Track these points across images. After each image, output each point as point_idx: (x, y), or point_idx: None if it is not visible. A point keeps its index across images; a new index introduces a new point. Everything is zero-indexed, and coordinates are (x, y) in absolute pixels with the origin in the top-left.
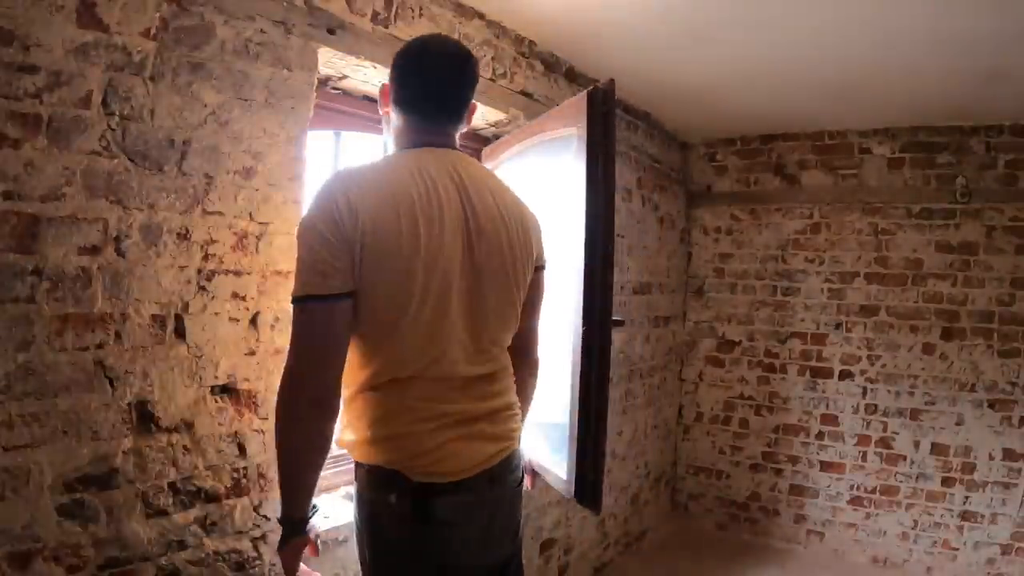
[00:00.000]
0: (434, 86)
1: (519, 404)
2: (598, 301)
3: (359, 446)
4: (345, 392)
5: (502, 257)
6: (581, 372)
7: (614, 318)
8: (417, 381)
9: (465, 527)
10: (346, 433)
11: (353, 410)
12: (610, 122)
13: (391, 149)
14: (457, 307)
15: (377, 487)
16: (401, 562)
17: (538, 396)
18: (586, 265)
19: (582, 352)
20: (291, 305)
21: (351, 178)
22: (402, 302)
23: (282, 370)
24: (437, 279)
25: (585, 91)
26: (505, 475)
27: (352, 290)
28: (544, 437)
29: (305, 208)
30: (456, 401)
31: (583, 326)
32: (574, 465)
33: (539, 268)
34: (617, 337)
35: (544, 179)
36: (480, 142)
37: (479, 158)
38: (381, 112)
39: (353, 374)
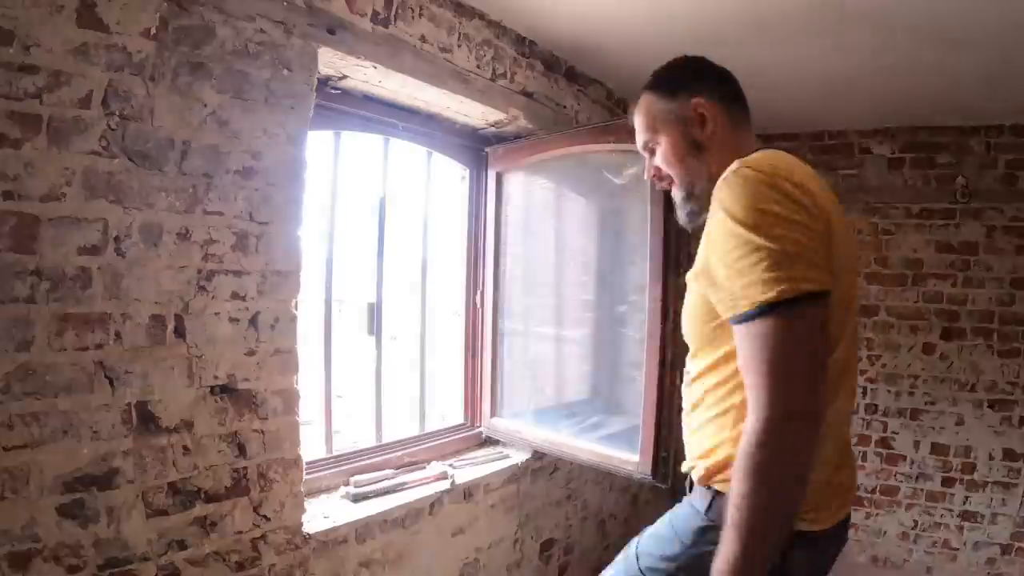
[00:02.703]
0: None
1: None
2: (670, 308)
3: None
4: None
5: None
6: (659, 362)
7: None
8: (832, 412)
9: None
10: (717, 455)
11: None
12: None
13: (714, 167)
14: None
15: None
16: None
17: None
18: (663, 280)
19: (660, 349)
20: (758, 314)
21: (799, 167)
22: (840, 317)
23: (765, 404)
24: (849, 292)
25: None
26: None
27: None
28: (586, 430)
29: (304, 209)
30: (845, 437)
31: (661, 326)
32: (651, 447)
33: None
34: None
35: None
36: (480, 142)
37: (481, 158)
38: (701, 136)
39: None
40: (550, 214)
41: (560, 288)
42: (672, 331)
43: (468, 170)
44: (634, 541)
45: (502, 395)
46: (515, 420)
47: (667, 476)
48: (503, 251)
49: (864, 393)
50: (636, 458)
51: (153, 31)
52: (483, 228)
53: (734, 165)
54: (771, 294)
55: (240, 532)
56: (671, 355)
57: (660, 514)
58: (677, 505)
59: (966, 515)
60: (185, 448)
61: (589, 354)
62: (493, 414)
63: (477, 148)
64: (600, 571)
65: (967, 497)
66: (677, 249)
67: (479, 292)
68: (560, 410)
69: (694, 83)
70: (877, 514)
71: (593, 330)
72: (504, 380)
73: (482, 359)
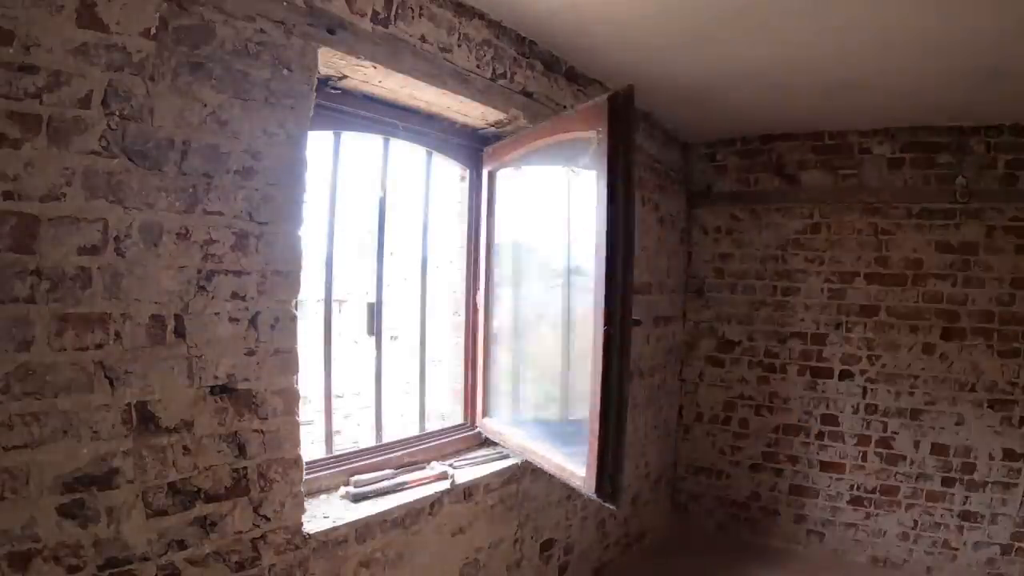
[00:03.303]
0: None
1: None
2: (619, 302)
3: None
4: None
5: None
6: (603, 370)
7: (634, 318)
8: None
9: None
10: None
11: None
12: (631, 125)
13: None
14: None
15: None
16: None
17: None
18: (607, 268)
19: (604, 351)
20: None
21: None
22: None
23: None
24: None
25: (606, 95)
26: None
27: None
28: (554, 436)
29: (304, 209)
30: None
31: (605, 327)
32: (595, 461)
33: None
34: None
35: (559, 183)
36: (480, 141)
37: (480, 158)
38: None
39: None
40: (534, 211)
41: (538, 288)
42: (621, 336)
43: (468, 170)
44: None
45: (494, 395)
46: (500, 421)
47: (615, 495)
48: (494, 251)
49: (864, 393)
50: (583, 472)
51: (153, 31)
52: (480, 228)
53: None
54: None
55: (240, 532)
56: (620, 363)
57: (660, 514)
58: None
59: (966, 515)
60: (185, 448)
61: (562, 356)
62: (485, 414)
63: (477, 148)
64: (600, 571)
65: (967, 497)
66: (627, 245)
67: (477, 292)
68: (539, 413)
69: None
70: (877, 514)
71: (564, 331)
72: (492, 381)
73: (476, 359)
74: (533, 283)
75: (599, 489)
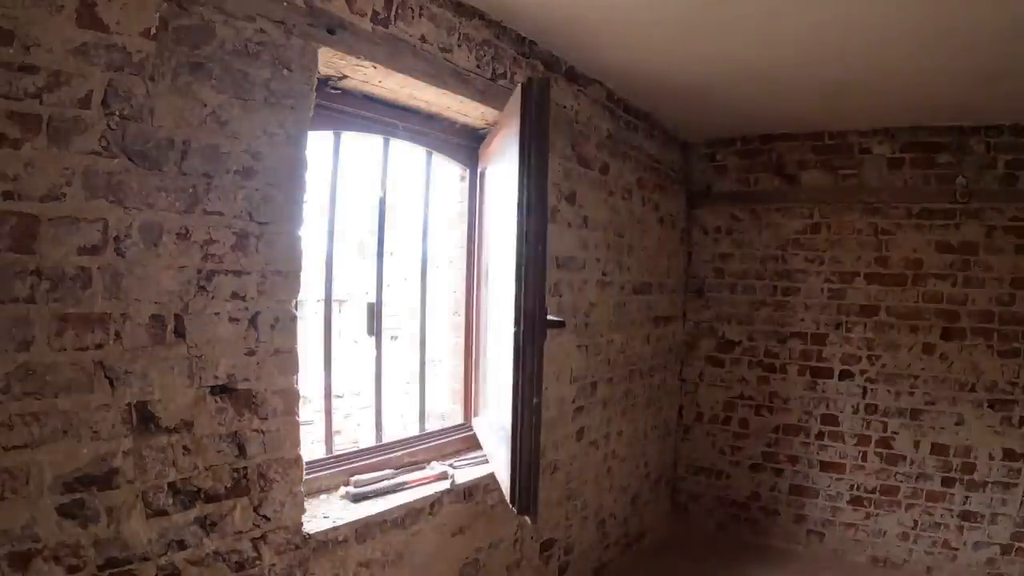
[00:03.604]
0: None
1: None
2: (529, 301)
3: None
4: None
5: None
6: (514, 377)
7: (550, 318)
8: None
9: None
10: None
11: None
12: (543, 115)
13: None
14: None
15: None
16: None
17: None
18: (517, 264)
19: (514, 355)
20: None
21: None
22: None
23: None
24: None
25: (519, 84)
26: None
27: None
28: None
29: (304, 209)
30: None
31: (515, 327)
32: (509, 472)
33: None
34: (617, 337)
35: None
36: (480, 141)
37: (476, 158)
38: None
39: None
40: (496, 208)
41: (499, 286)
42: (531, 338)
43: (467, 170)
44: None
45: (482, 395)
46: (483, 421)
47: (529, 508)
48: (484, 250)
49: (864, 393)
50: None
51: (153, 31)
52: (476, 227)
53: None
54: None
55: (240, 532)
56: (535, 365)
57: (660, 514)
58: None
59: (966, 515)
60: (185, 448)
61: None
62: (476, 413)
63: (476, 148)
64: (600, 571)
65: (967, 497)
66: (537, 239)
67: (473, 292)
68: (498, 416)
69: None
70: (877, 514)
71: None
72: (480, 380)
73: (469, 359)
74: (498, 281)
75: (513, 500)
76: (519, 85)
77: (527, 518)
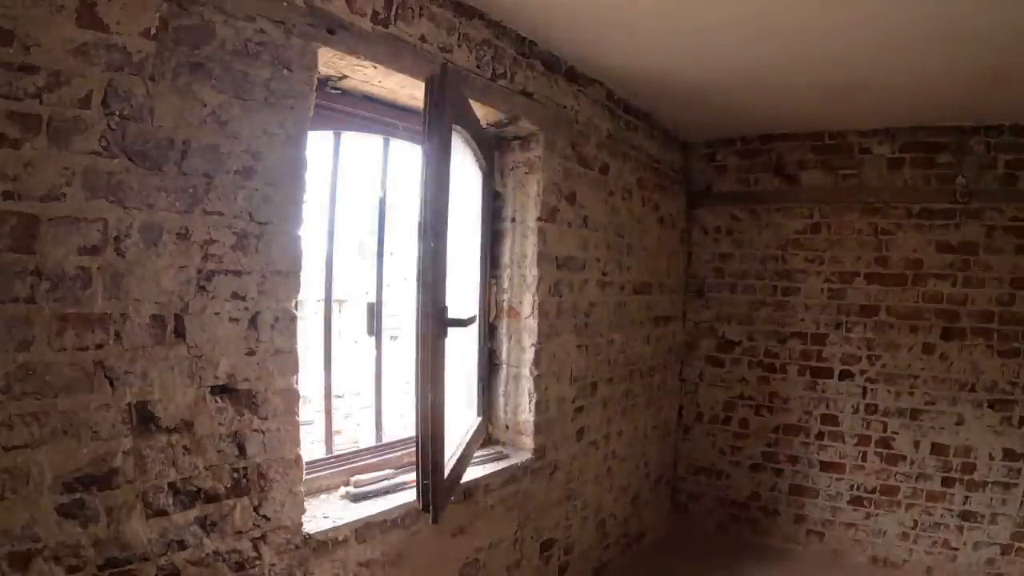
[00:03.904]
0: None
1: None
2: (428, 298)
3: None
4: None
5: None
6: (415, 376)
7: (451, 317)
8: None
9: None
10: None
11: None
12: (443, 106)
13: None
14: None
15: None
16: None
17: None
18: (416, 260)
19: (415, 354)
20: None
21: None
22: None
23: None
24: None
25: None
26: None
27: None
28: None
29: (304, 209)
30: None
31: (415, 325)
32: (416, 468)
33: None
34: (617, 337)
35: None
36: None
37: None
38: None
39: None
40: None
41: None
42: (431, 336)
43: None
44: None
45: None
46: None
47: (430, 508)
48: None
49: (864, 393)
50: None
51: (153, 31)
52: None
53: None
54: None
55: (240, 532)
56: (432, 365)
57: (660, 514)
58: None
59: (966, 515)
60: (185, 448)
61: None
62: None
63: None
64: (600, 571)
65: (967, 497)
66: (433, 239)
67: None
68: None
69: None
70: (877, 514)
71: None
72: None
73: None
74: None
75: (419, 498)
76: (423, 80)
77: (429, 518)
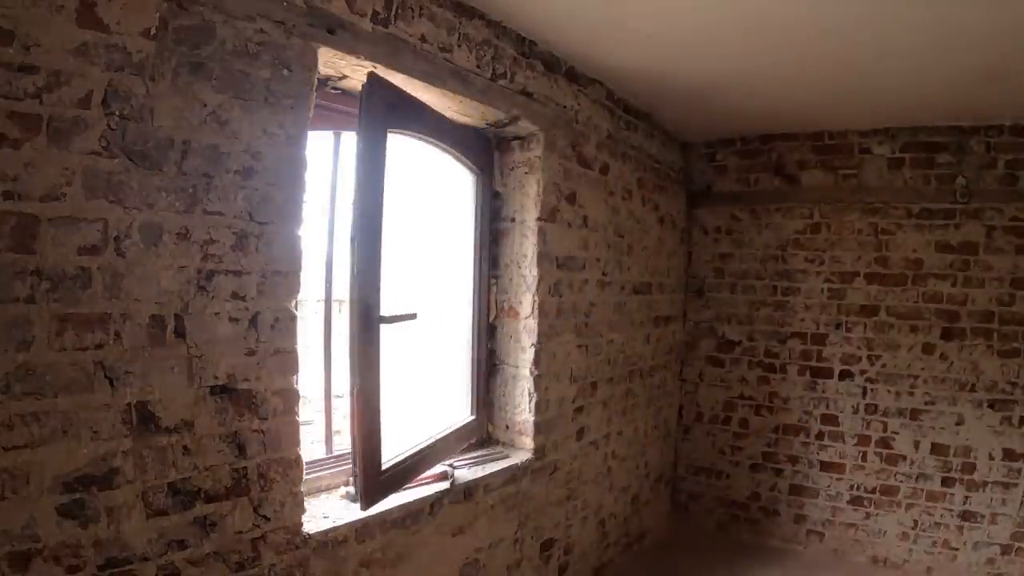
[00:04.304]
0: None
1: None
2: (358, 294)
3: None
4: None
5: None
6: (350, 373)
7: (384, 314)
8: None
9: None
10: None
11: None
12: (373, 111)
13: None
14: None
15: None
16: None
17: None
18: (349, 256)
19: (348, 350)
20: None
21: None
22: None
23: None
24: None
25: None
26: None
27: None
28: None
29: (304, 209)
30: None
31: (350, 324)
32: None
33: None
34: (617, 337)
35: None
36: (480, 142)
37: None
38: None
39: None
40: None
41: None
42: (361, 322)
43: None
44: None
45: None
46: None
47: (360, 494)
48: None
49: (864, 393)
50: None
51: (153, 31)
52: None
53: None
54: None
55: (240, 532)
56: (364, 363)
57: (660, 514)
58: None
59: (966, 515)
60: (185, 448)
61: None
62: None
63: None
64: (600, 571)
65: (967, 497)
66: (365, 232)
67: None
68: None
69: None
70: (877, 514)
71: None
72: None
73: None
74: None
75: (354, 485)
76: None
77: (358, 506)
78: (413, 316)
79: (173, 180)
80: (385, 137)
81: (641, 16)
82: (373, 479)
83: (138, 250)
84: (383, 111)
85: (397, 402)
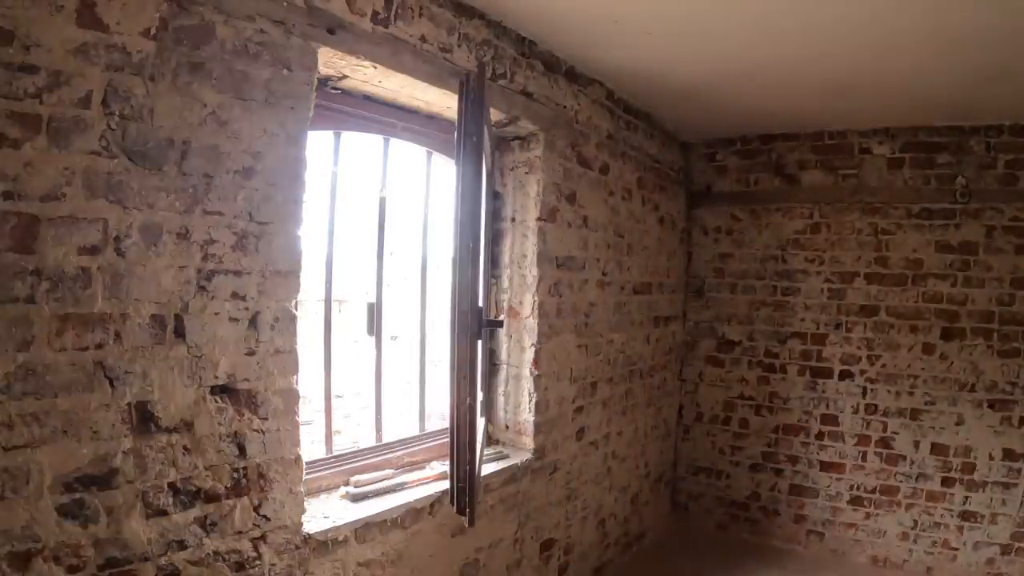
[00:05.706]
0: None
1: None
2: (465, 301)
3: None
4: None
5: None
6: (450, 378)
7: (489, 319)
8: None
9: None
10: None
11: None
12: (478, 109)
13: None
14: None
15: None
16: None
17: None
18: (452, 262)
19: (450, 356)
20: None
21: None
22: None
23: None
24: None
25: (458, 79)
26: None
27: None
28: None
29: (304, 209)
30: None
31: (449, 328)
32: (450, 471)
33: None
34: (617, 337)
35: None
36: None
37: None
38: None
39: None
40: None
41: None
42: (467, 337)
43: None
44: None
45: None
46: None
47: (465, 508)
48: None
49: (864, 393)
50: (447, 484)
51: (153, 31)
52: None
53: None
54: None
55: (240, 532)
56: (470, 367)
57: (660, 514)
58: None
59: (966, 515)
60: (185, 448)
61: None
62: None
63: None
64: (600, 571)
65: (967, 497)
66: (470, 241)
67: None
68: None
69: None
70: (877, 514)
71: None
72: None
73: None
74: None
75: (452, 501)
76: (458, 81)
77: (464, 520)
78: (501, 323)
79: (173, 180)
80: (484, 136)
81: (641, 16)
82: (476, 494)
83: (138, 250)
84: (486, 106)
85: (397, 402)
